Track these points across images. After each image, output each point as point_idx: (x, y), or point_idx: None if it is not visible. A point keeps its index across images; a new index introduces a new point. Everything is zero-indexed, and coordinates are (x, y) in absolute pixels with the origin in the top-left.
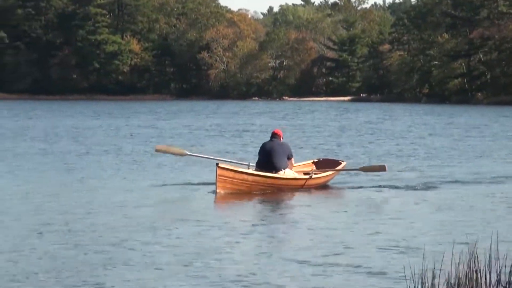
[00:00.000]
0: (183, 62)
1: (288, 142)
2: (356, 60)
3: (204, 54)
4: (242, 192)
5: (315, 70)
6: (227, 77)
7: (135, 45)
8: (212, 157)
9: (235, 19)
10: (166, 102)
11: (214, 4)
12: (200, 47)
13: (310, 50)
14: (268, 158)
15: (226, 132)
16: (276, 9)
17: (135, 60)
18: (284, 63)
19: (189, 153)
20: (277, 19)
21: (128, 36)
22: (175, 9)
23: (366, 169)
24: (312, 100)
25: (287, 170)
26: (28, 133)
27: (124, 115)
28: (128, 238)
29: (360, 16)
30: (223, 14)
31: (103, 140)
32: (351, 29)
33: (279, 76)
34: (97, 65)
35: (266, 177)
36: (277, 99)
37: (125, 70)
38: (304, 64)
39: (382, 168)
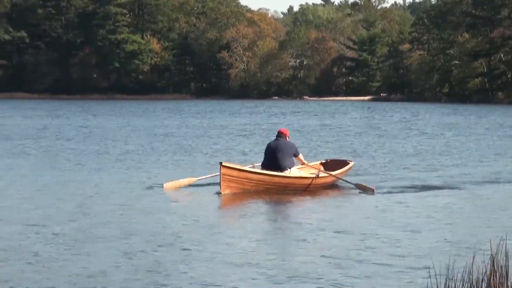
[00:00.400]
0: (203, 62)
1: (294, 141)
2: (376, 60)
3: (224, 54)
4: (247, 191)
5: (335, 69)
6: (247, 77)
7: (155, 45)
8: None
9: (255, 19)
10: (191, 102)
11: (234, 4)
12: (220, 46)
13: (330, 49)
14: (273, 158)
15: (259, 131)
16: (296, 9)
17: (155, 59)
18: (304, 63)
19: (197, 178)
20: (297, 19)
21: (148, 36)
22: (195, 9)
23: (359, 186)
24: (333, 100)
25: (293, 169)
26: (55, 133)
27: (155, 114)
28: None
29: (380, 15)
30: (243, 14)
31: (134, 140)
32: (371, 28)
33: (299, 75)
34: (117, 65)
35: (272, 176)
36: (297, 99)
37: (145, 69)
38: (324, 64)
39: (371, 191)
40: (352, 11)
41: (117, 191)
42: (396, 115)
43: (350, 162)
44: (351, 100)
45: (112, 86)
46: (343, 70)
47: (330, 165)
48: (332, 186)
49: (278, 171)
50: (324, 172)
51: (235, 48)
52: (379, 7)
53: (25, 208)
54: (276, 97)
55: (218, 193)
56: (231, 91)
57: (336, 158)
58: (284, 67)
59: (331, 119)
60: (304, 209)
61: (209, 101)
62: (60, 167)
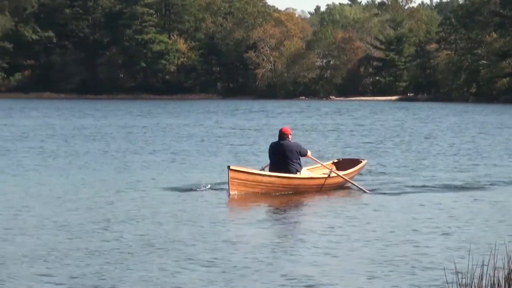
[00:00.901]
0: (229, 62)
1: (297, 141)
2: (403, 60)
3: (251, 54)
4: (256, 194)
5: (362, 69)
6: (274, 77)
7: (181, 45)
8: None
9: (282, 19)
10: (220, 102)
11: (261, 4)
12: (247, 46)
13: (356, 49)
14: (279, 160)
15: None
16: (323, 9)
17: (182, 59)
18: (331, 63)
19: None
20: (324, 19)
21: (175, 36)
22: (222, 8)
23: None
24: (359, 100)
25: (303, 170)
26: (86, 133)
27: (195, 114)
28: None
29: (407, 15)
30: (270, 14)
31: (167, 140)
32: (398, 28)
33: (325, 75)
34: (144, 65)
35: (282, 178)
36: (324, 99)
37: (171, 69)
38: (351, 64)
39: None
40: (379, 11)
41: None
42: (444, 116)
43: (362, 161)
44: (377, 100)
45: (138, 86)
46: (370, 70)
47: (342, 165)
48: (345, 186)
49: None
50: (335, 172)
51: (262, 48)
52: (406, 7)
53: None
54: (303, 97)
55: (227, 197)
56: (257, 91)
57: (348, 157)
58: (311, 67)
59: (365, 119)
60: (318, 211)
61: (237, 101)
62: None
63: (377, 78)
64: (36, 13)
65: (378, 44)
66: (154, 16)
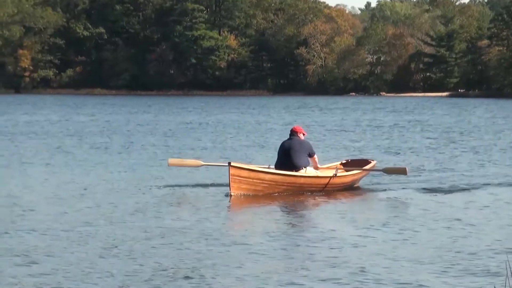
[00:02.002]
0: (280, 58)
1: (308, 140)
2: (454, 56)
3: (302, 50)
4: (259, 193)
5: (413, 65)
6: (324, 73)
7: (232, 41)
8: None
9: (332, 15)
10: (272, 98)
11: (312, 0)
12: (298, 42)
13: (407, 45)
14: (287, 157)
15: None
16: (373, 5)
17: (232, 55)
18: (382, 59)
19: (204, 163)
20: (374, 15)
21: (225, 32)
22: (273, 5)
23: (389, 171)
24: (410, 96)
25: (309, 168)
26: (149, 129)
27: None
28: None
29: (459, 11)
30: (321, 10)
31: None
32: (449, 24)
33: (376, 71)
34: (194, 61)
35: (286, 176)
36: (374, 95)
37: (222, 65)
38: (402, 60)
39: (403, 171)
40: (430, 7)
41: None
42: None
43: (371, 161)
44: (428, 96)
45: (188, 82)
46: (421, 66)
47: (351, 165)
48: (354, 187)
49: (292, 171)
50: (342, 171)
51: (313, 44)
52: (457, 3)
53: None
54: (353, 93)
55: (228, 195)
56: (308, 87)
57: (357, 158)
58: (361, 63)
59: (431, 115)
60: (326, 211)
61: (288, 97)
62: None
63: (427, 74)
64: (87, 9)
65: (429, 40)
66: (204, 12)
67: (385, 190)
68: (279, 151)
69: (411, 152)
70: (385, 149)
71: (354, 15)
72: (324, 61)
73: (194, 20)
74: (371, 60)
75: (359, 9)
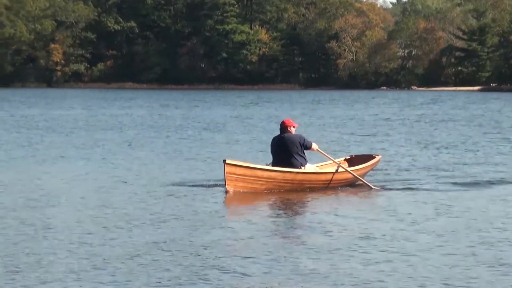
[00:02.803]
0: (311, 52)
1: (300, 132)
2: (486, 50)
3: (333, 44)
4: (256, 190)
5: (444, 59)
6: (356, 67)
7: (263, 35)
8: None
9: (364, 9)
10: (303, 92)
11: None
12: (329, 36)
13: (439, 39)
14: (282, 155)
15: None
16: None
17: (263, 49)
18: (413, 53)
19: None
20: (406, 9)
21: (257, 26)
22: None
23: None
24: (441, 90)
25: (308, 165)
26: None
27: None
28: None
29: (491, 5)
30: (352, 4)
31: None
32: (481, 18)
33: (407, 65)
34: (225, 55)
35: (284, 173)
36: (406, 89)
37: (253, 59)
38: (433, 54)
39: (369, 188)
40: (461, 1)
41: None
42: None
43: (376, 156)
44: (460, 91)
45: (220, 76)
46: (452, 60)
47: (355, 161)
48: (356, 183)
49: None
50: (344, 167)
51: (344, 38)
52: None
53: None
54: (384, 87)
55: (224, 193)
56: (339, 81)
57: (362, 154)
58: (392, 57)
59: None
60: (327, 209)
61: (319, 91)
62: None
63: (459, 68)
64: (119, 3)
65: (460, 34)
66: (236, 6)
67: (389, 188)
68: (272, 150)
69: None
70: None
71: (385, 9)
72: (355, 55)
73: (225, 14)
74: (402, 54)
75: (391, 3)
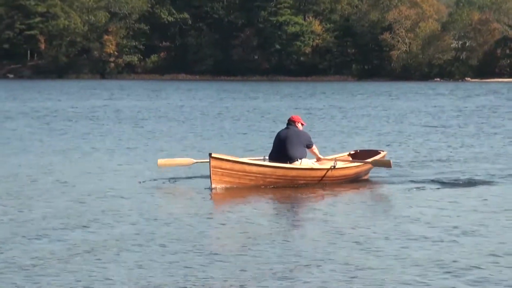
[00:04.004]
0: (364, 43)
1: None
2: None
3: (386, 35)
4: (245, 186)
5: (499, 51)
6: (409, 58)
7: (317, 26)
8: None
9: (417, 0)
10: (357, 83)
11: None
12: (382, 28)
13: (493, 31)
14: (282, 148)
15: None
16: None
17: (317, 41)
18: (467, 44)
19: (195, 161)
20: (460, 0)
21: (310, 17)
22: None
23: (376, 163)
24: (496, 81)
25: (304, 160)
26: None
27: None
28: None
29: None
30: None
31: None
32: None
33: (461, 57)
34: (278, 46)
35: (275, 168)
36: (459, 80)
37: (306, 51)
38: (487, 45)
39: (387, 164)
40: None
41: None
42: None
43: (381, 152)
44: None
45: (273, 67)
46: (507, 51)
47: (360, 156)
48: (358, 180)
49: (287, 163)
50: (343, 162)
51: (397, 29)
52: None
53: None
54: (437, 79)
55: (209, 189)
56: (392, 73)
57: (366, 149)
58: (446, 49)
59: None
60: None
61: (372, 82)
62: None
63: None
64: None
65: None
66: None
67: (393, 183)
68: (275, 141)
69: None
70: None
71: (439, 0)
72: (409, 46)
73: (278, 6)
74: (456, 45)
75: None
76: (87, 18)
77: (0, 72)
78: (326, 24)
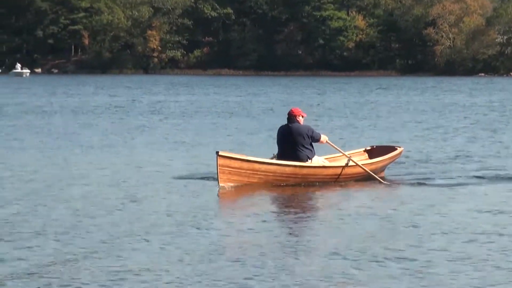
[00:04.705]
0: (408, 38)
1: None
2: None
3: (430, 30)
4: (255, 184)
5: None
6: (453, 53)
7: (360, 21)
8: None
9: None
10: (401, 78)
11: None
12: (426, 23)
13: None
14: (288, 146)
15: None
16: None
17: (360, 36)
18: None
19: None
20: None
21: (354, 12)
22: None
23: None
24: None
25: (316, 157)
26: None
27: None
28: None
29: None
30: None
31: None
32: None
33: (506, 52)
34: (322, 41)
35: (285, 166)
36: (504, 75)
37: (350, 46)
38: None
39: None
40: None
41: None
42: None
43: (398, 148)
44: None
45: (316, 62)
46: None
47: (376, 152)
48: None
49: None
50: (353, 161)
51: (441, 24)
52: None
53: None
54: (482, 74)
55: (217, 188)
56: (436, 68)
57: (383, 145)
58: (490, 44)
59: None
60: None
61: (417, 77)
62: None
63: None
64: None
65: None
66: None
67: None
68: (278, 140)
69: None
70: None
71: None
72: (453, 41)
73: (322, 1)
74: (501, 40)
75: None
76: (130, 13)
77: (45, 67)
78: (369, 19)
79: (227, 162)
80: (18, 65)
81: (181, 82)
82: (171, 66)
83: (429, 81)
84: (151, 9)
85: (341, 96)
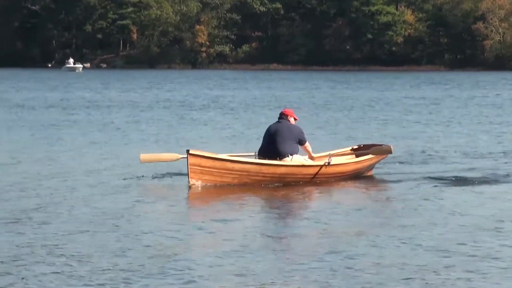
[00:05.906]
0: (457, 33)
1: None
2: None
3: (480, 25)
4: (227, 184)
5: None
6: (503, 48)
7: (409, 16)
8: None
9: None
10: (449, 73)
11: None
12: (475, 17)
13: None
14: (271, 143)
15: None
16: None
17: (409, 30)
18: None
19: (181, 156)
20: None
21: (403, 7)
22: None
23: (376, 151)
24: None
25: (296, 156)
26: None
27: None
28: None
29: None
30: None
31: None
32: None
33: None
34: (370, 36)
35: (262, 165)
36: None
37: (398, 41)
38: None
39: (388, 151)
40: None
41: None
42: None
43: (385, 146)
44: None
45: (365, 57)
46: None
47: (363, 151)
48: (360, 176)
49: (276, 159)
50: (341, 158)
51: (491, 19)
52: None
53: None
54: None
55: (187, 187)
56: (486, 62)
57: (370, 143)
58: None
59: None
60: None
61: (466, 72)
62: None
63: None
64: None
65: None
66: None
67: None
68: (265, 135)
69: None
70: None
71: None
72: (503, 36)
73: None
74: None
75: None
76: (179, 8)
77: (94, 62)
78: (418, 14)
79: (198, 161)
80: (71, 60)
81: (235, 76)
82: (219, 61)
83: (480, 76)
84: (199, 4)
85: (404, 91)
